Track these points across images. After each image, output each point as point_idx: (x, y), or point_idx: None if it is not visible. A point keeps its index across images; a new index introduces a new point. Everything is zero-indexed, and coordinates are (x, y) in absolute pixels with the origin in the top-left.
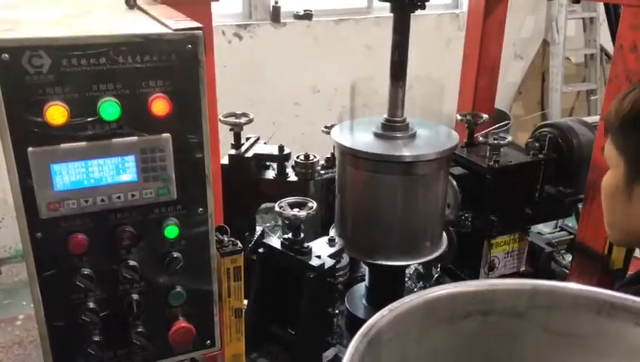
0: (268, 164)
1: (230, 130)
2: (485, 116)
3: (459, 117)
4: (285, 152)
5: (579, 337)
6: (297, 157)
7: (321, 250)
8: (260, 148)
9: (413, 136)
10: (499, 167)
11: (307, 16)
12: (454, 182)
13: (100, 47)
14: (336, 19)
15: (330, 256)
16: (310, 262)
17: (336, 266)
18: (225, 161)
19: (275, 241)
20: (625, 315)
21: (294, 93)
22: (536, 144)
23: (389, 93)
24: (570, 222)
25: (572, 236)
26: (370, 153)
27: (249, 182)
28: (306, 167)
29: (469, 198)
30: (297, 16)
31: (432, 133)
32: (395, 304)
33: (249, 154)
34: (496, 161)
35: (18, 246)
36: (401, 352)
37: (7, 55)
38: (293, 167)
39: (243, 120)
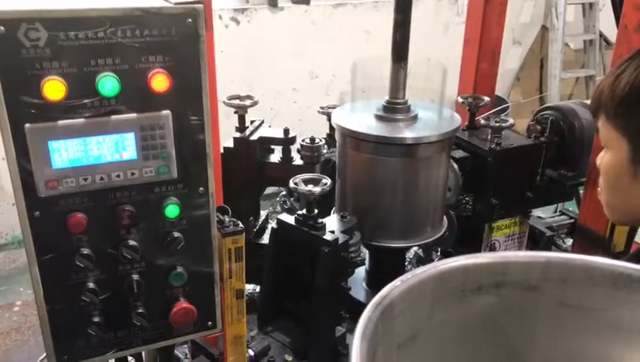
0: (272, 147)
1: (235, 112)
2: (487, 99)
3: (460, 100)
4: (290, 136)
5: (594, 310)
6: (303, 141)
7: (334, 226)
8: (265, 132)
9: (415, 118)
10: (500, 150)
11: (305, 0)
12: (455, 165)
13: (99, 20)
14: (335, 3)
15: (343, 232)
16: (324, 237)
17: (349, 242)
18: (229, 143)
19: (288, 218)
20: None
21: (292, 78)
22: (538, 127)
23: (390, 74)
24: (571, 206)
25: (572, 220)
26: (371, 135)
27: (254, 165)
28: (312, 150)
29: (470, 181)
30: (295, 1)
31: (434, 116)
32: (408, 275)
33: (254, 137)
34: (498, 144)
35: (15, 233)
36: (413, 323)
37: (2, 27)
38: (298, 150)
39: (248, 102)
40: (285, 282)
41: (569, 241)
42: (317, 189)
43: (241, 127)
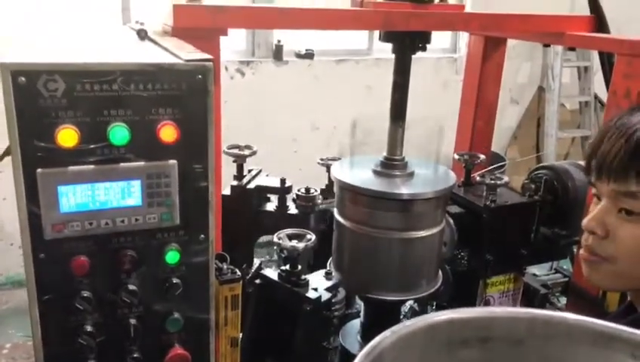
0: (269, 196)
1: (233, 161)
2: (482, 157)
3: (456, 157)
4: (287, 185)
5: None
6: (298, 190)
7: (317, 283)
8: (262, 181)
9: (412, 174)
10: (495, 207)
11: (309, 55)
12: (451, 220)
13: (114, 74)
14: (337, 59)
15: (327, 290)
16: (307, 295)
17: (333, 300)
18: (227, 191)
19: (271, 273)
20: (621, 346)
21: (293, 129)
22: (532, 185)
23: (388, 132)
24: (565, 264)
25: (566, 278)
26: (369, 190)
27: (250, 213)
28: (306, 200)
29: (465, 237)
30: (299, 55)
31: (430, 172)
32: (399, 326)
33: (251, 185)
34: (493, 201)
35: (10, 274)
36: None
37: (23, 78)
38: (293, 200)
39: (246, 152)
40: (267, 339)
41: (563, 300)
42: (300, 245)
43: (239, 176)
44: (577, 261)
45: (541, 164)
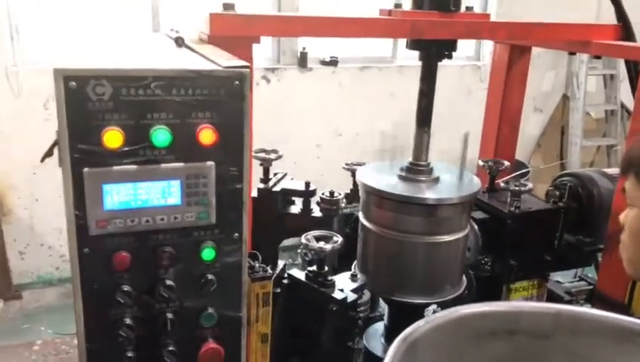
0: (293, 199)
1: (260, 164)
2: (507, 163)
3: (480, 163)
4: (311, 188)
5: (600, 361)
6: (322, 194)
7: (343, 285)
8: (287, 184)
9: (437, 180)
10: (519, 213)
11: (333, 62)
12: (475, 226)
13: (157, 79)
14: (361, 66)
15: (353, 291)
16: (333, 295)
17: (358, 301)
18: (253, 194)
19: (299, 273)
20: None
21: (317, 135)
22: (557, 192)
23: (414, 138)
24: (590, 272)
25: (591, 286)
26: (395, 194)
27: (275, 215)
28: (330, 203)
29: (489, 243)
30: (323, 63)
31: (455, 178)
32: (432, 317)
33: (277, 188)
34: (517, 207)
35: (40, 273)
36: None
37: (74, 83)
38: (317, 203)
39: (272, 156)
40: (293, 338)
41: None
42: (327, 247)
43: (266, 179)
44: (602, 268)
45: (565, 171)
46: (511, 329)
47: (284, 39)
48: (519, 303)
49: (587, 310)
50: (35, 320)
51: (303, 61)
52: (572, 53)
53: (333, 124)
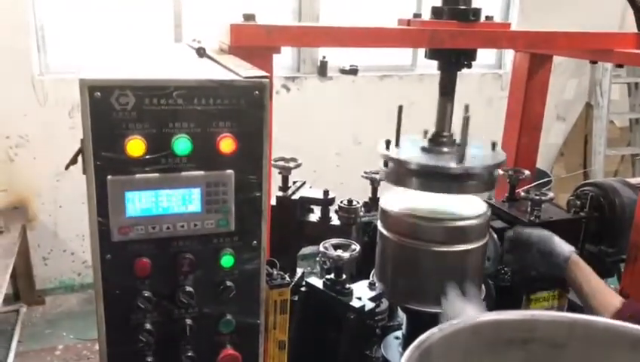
0: (312, 207)
1: (279, 173)
2: (527, 172)
3: (501, 172)
4: (330, 197)
5: None
6: (341, 202)
7: (361, 293)
8: (306, 192)
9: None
10: (539, 223)
11: (353, 71)
12: (495, 235)
13: (179, 89)
14: (381, 75)
15: (371, 299)
16: (351, 303)
17: (376, 310)
18: (272, 202)
19: (316, 281)
20: None
21: (336, 143)
22: (578, 202)
23: (437, 108)
24: (612, 283)
25: None
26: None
27: (294, 223)
28: (349, 211)
29: None
30: (343, 71)
31: (479, 151)
32: (445, 324)
33: (295, 196)
34: (537, 216)
35: (62, 278)
36: None
37: (99, 93)
38: (336, 211)
39: (292, 164)
40: (310, 346)
41: None
42: (345, 255)
43: (284, 187)
44: (624, 279)
45: (587, 181)
46: (526, 337)
47: (305, 48)
48: (534, 312)
49: (602, 319)
50: (57, 325)
51: (322, 69)
52: (593, 62)
53: (352, 133)
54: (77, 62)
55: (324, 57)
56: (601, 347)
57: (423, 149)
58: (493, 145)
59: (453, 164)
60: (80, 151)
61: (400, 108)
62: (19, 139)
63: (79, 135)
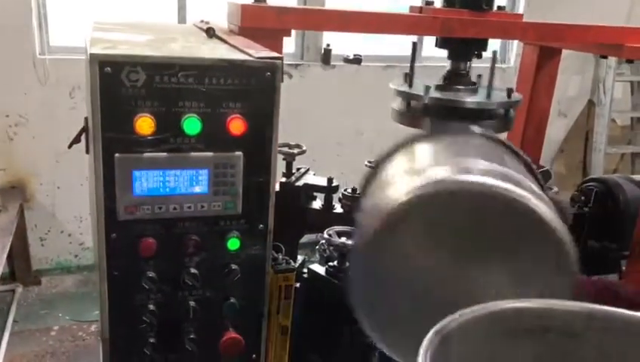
0: (314, 194)
1: (283, 159)
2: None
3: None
4: (333, 184)
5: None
6: (345, 190)
7: None
8: (310, 179)
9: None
10: None
11: (356, 60)
12: None
13: (190, 68)
14: (385, 65)
15: None
16: None
17: None
18: (276, 188)
19: (319, 268)
20: None
21: (338, 133)
22: (582, 197)
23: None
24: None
25: None
26: None
27: (297, 210)
28: (353, 199)
29: None
30: (347, 60)
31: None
32: (466, 310)
33: (299, 183)
34: None
35: (59, 259)
36: (467, 356)
37: (109, 68)
38: (339, 199)
39: (296, 150)
40: (311, 334)
41: None
42: (350, 242)
43: (288, 173)
44: (626, 275)
45: (591, 176)
46: (545, 326)
47: (309, 35)
48: (551, 301)
49: (619, 310)
50: (52, 306)
51: (326, 58)
52: (603, 57)
53: (354, 123)
54: (79, 42)
55: (328, 45)
56: (619, 336)
57: (438, 87)
58: (509, 91)
59: (469, 99)
60: (84, 129)
61: (414, 44)
62: (18, 118)
63: (79, 115)
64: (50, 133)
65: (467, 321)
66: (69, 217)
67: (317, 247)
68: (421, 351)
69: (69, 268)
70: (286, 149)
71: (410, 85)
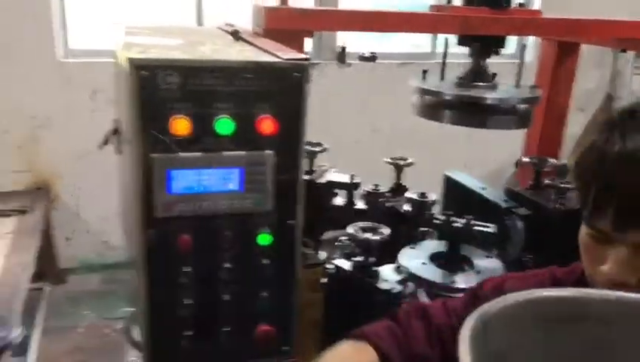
0: (336, 191)
1: (305, 157)
2: (553, 161)
3: (527, 160)
4: (355, 181)
5: None
6: (367, 187)
7: (388, 276)
8: (332, 176)
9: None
10: (564, 210)
11: (372, 58)
12: (519, 221)
13: (222, 70)
14: (400, 62)
15: (398, 283)
16: (378, 285)
17: (403, 293)
18: None
19: (344, 263)
20: None
21: (354, 131)
22: None
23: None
24: None
25: None
26: None
27: (319, 207)
28: (375, 196)
29: (531, 240)
30: (362, 58)
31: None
32: (507, 296)
33: (321, 180)
34: (562, 204)
35: (86, 258)
36: (505, 343)
37: (145, 72)
38: (362, 195)
39: (317, 148)
40: (335, 328)
41: None
42: (375, 238)
43: (310, 171)
44: None
45: None
46: (583, 314)
47: (325, 34)
48: (585, 289)
49: None
50: (79, 304)
51: (341, 56)
52: (623, 51)
53: (370, 121)
54: (97, 45)
55: (343, 44)
56: None
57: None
58: (532, 87)
59: (487, 95)
60: (115, 130)
61: (446, 40)
62: (43, 120)
63: (101, 117)
64: (73, 135)
65: (507, 307)
66: (93, 217)
67: (337, 243)
68: (464, 332)
69: (93, 267)
70: (308, 148)
71: (442, 76)
